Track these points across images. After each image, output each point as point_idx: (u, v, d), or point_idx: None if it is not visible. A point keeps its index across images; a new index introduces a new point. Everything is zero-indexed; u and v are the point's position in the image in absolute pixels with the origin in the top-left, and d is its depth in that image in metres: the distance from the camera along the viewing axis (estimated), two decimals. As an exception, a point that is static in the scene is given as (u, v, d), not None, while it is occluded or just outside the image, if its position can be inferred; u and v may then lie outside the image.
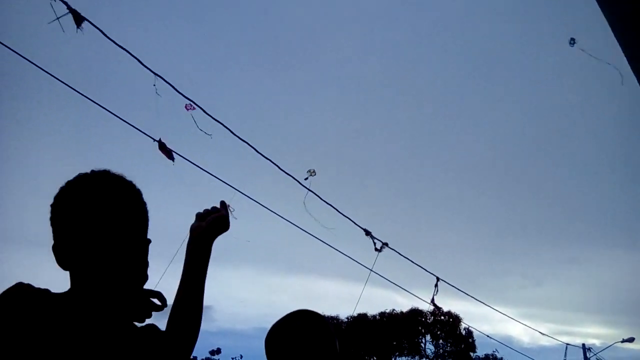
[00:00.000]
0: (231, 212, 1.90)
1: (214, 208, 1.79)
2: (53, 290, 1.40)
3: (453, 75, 46.57)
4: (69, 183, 1.43)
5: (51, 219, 1.42)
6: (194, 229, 1.71)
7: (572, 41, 8.07)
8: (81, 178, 1.43)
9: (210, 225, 1.72)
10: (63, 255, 1.40)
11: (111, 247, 1.36)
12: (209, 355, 36.55)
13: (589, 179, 48.57)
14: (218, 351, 37.02)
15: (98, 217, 1.36)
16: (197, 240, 1.68)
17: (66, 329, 1.32)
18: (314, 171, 8.06)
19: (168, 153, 6.80)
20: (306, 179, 8.02)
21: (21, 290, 1.35)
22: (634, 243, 52.05)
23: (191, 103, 6.58)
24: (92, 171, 1.44)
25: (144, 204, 1.48)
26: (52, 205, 1.42)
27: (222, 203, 1.82)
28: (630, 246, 51.61)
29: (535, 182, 48.97)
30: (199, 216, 1.77)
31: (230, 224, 1.76)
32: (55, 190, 1.43)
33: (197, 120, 6.75)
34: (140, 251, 1.45)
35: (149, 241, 1.50)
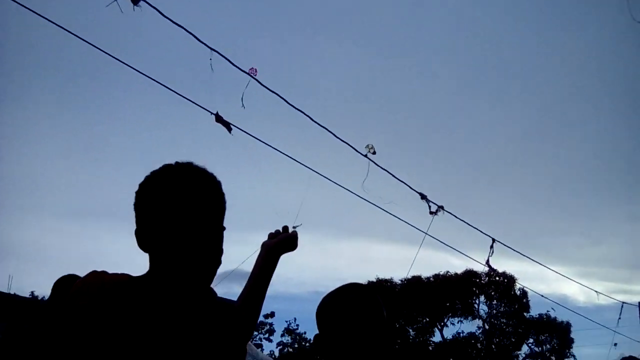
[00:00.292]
0: (298, 227, 2.18)
1: (285, 227, 2.14)
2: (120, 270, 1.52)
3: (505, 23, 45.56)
4: (153, 173, 1.53)
5: (135, 204, 1.54)
6: (265, 245, 2.08)
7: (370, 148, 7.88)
8: (165, 168, 1.52)
9: (279, 243, 2.09)
10: (144, 239, 1.51)
11: (189, 232, 1.46)
12: (262, 319, 37.07)
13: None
14: (272, 315, 37.58)
15: (178, 204, 1.46)
16: (266, 254, 2.05)
17: (145, 311, 1.43)
18: (372, 147, 8.10)
19: (226, 124, 6.94)
20: (365, 155, 8.08)
21: (96, 278, 1.47)
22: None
23: (254, 68, 6.70)
24: (176, 162, 1.53)
25: (223, 194, 1.57)
26: (136, 193, 1.54)
27: (285, 228, 2.16)
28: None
29: (593, 136, 47.72)
30: (270, 235, 2.13)
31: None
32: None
33: (252, 92, 6.85)
34: (215, 237, 1.53)
35: (224, 228, 1.58)
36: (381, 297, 1.92)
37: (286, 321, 37.64)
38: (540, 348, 34.06)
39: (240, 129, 7.02)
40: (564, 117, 46.65)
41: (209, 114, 6.97)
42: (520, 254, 13.59)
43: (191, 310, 1.51)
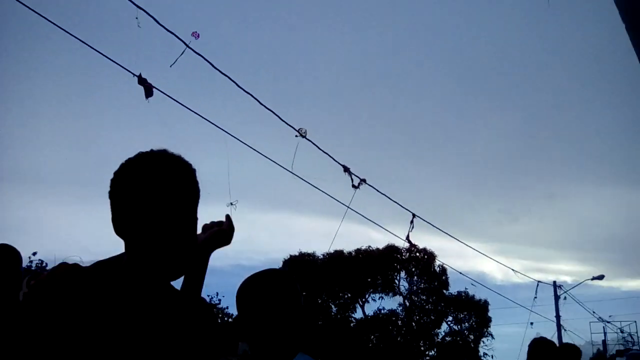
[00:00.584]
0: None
1: (220, 222, 1.94)
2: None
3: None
4: (128, 160, 1.54)
5: (110, 192, 1.54)
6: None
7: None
8: (140, 156, 1.54)
9: (210, 238, 1.89)
10: (120, 225, 1.54)
11: (163, 220, 1.48)
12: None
13: (568, 115, 48.89)
14: (194, 289, 37.27)
15: (153, 192, 1.48)
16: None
17: (119, 298, 1.45)
18: (305, 132, 8.16)
19: (147, 88, 6.80)
20: (296, 136, 8.13)
21: (67, 271, 1.49)
22: (609, 180, 53.02)
23: (197, 32, 6.60)
24: (151, 150, 1.55)
25: (197, 182, 1.59)
26: (112, 180, 1.54)
27: (227, 217, 1.96)
28: (606, 183, 52.56)
29: (513, 116, 49.17)
30: (204, 227, 1.94)
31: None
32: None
33: (178, 55, 6.75)
34: (189, 225, 1.57)
35: (197, 219, 1.61)
36: (299, 280, 2.00)
37: (208, 295, 37.32)
38: (459, 326, 34.99)
39: (162, 92, 6.92)
40: (486, 95, 47.87)
41: (132, 75, 6.84)
42: (440, 230, 14.02)
43: (164, 299, 1.55)
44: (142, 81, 6.81)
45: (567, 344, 5.35)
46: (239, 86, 7.22)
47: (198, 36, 6.79)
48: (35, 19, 6.04)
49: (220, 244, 1.93)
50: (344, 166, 9.47)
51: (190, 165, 1.58)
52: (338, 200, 10.17)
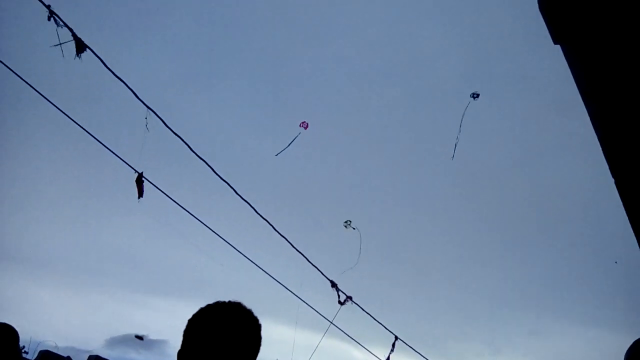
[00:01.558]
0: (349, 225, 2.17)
1: None
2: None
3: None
4: (206, 307, 1.78)
5: (185, 331, 1.78)
6: None
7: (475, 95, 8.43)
8: (216, 305, 1.78)
9: None
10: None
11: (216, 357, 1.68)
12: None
13: (553, 255, 49.02)
14: (169, 405, 35.94)
15: (219, 339, 1.71)
16: None
17: None
18: (350, 223, 8.28)
19: (141, 189, 6.84)
20: (346, 227, 8.24)
21: None
22: (593, 320, 52.33)
23: (306, 122, 6.82)
24: (229, 301, 1.80)
25: (260, 337, 1.83)
26: (189, 320, 1.78)
27: None
28: (590, 323, 51.85)
29: (500, 253, 49.30)
30: None
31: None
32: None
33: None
34: None
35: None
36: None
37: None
38: None
39: (159, 189, 7.01)
40: (474, 224, 48.14)
41: (134, 171, 6.96)
42: (421, 355, 13.73)
43: None
44: (138, 180, 6.88)
45: None
46: (237, 194, 7.34)
47: (307, 126, 7.03)
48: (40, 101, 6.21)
49: None
50: (331, 281, 9.44)
51: (257, 320, 1.84)
52: (322, 315, 10.08)
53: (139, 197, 6.85)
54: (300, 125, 7.06)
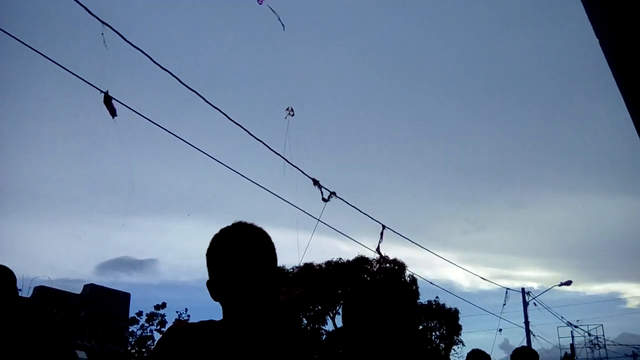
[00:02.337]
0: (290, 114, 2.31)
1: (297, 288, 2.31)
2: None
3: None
4: (219, 233, 1.89)
5: (207, 261, 1.87)
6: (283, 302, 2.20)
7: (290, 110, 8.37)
8: (227, 229, 1.90)
9: (296, 298, 2.27)
10: (215, 290, 1.85)
11: (250, 282, 1.79)
12: (154, 310, 36.27)
13: (534, 123, 49.70)
14: (163, 305, 36.64)
15: (240, 259, 1.81)
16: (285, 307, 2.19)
17: (227, 352, 1.75)
18: (292, 110, 8.20)
19: (111, 108, 6.69)
20: (285, 117, 8.17)
21: (181, 329, 1.81)
22: (574, 186, 54.02)
23: None
24: (234, 223, 1.91)
25: (274, 251, 1.91)
26: (207, 250, 1.88)
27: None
28: (570, 189, 53.51)
29: (479, 127, 49.86)
30: (284, 292, 2.27)
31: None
32: None
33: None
34: (272, 282, 1.86)
35: (277, 277, 1.91)
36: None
37: (177, 312, 36.99)
38: (430, 334, 35.21)
39: (127, 106, 6.84)
40: (453, 108, 48.47)
41: (99, 92, 6.77)
42: (409, 240, 14.10)
43: (261, 346, 1.82)
44: (107, 100, 6.71)
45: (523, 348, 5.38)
46: (207, 101, 7.19)
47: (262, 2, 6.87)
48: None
49: (304, 304, 2.14)
50: (313, 179, 9.47)
51: (268, 236, 1.92)
52: (308, 213, 10.17)
53: (112, 117, 6.69)
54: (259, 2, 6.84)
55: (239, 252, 1.82)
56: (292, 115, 8.56)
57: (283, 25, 7.34)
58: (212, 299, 1.88)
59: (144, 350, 35.06)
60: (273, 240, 1.93)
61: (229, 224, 1.91)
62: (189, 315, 36.68)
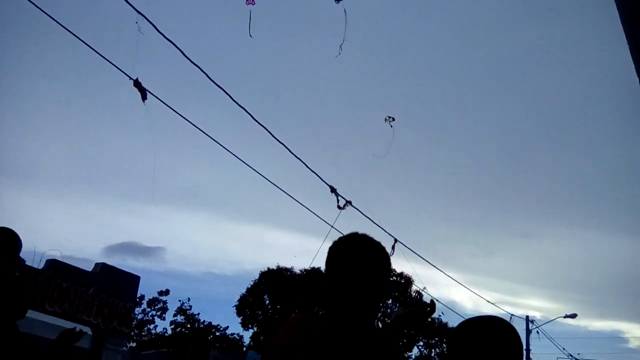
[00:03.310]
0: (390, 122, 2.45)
1: (430, 305, 2.35)
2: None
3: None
4: (340, 239, 2.07)
5: (326, 263, 2.06)
6: (395, 315, 2.30)
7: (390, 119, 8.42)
8: (347, 237, 2.07)
9: (407, 314, 2.29)
10: (331, 289, 2.00)
11: (362, 285, 1.96)
12: (157, 296, 36.43)
13: (546, 158, 49.52)
14: (166, 292, 36.84)
15: (357, 265, 1.98)
16: (393, 324, 2.27)
17: (340, 344, 1.87)
18: (393, 118, 8.29)
19: (142, 92, 6.81)
20: (387, 122, 8.26)
21: (304, 319, 1.94)
22: (583, 222, 53.60)
23: None
24: (356, 233, 2.07)
25: (389, 262, 2.08)
26: (328, 253, 2.06)
27: (432, 303, 2.35)
28: (580, 225, 53.15)
29: (497, 154, 49.72)
30: (404, 304, 2.42)
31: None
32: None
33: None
34: (381, 290, 2.03)
35: (388, 285, 2.09)
36: (275, 293, 2.17)
37: (179, 300, 37.14)
38: (429, 351, 35.06)
39: (156, 97, 6.91)
40: (468, 132, 48.38)
41: (128, 78, 6.84)
42: (420, 257, 14.03)
43: (365, 342, 1.95)
44: (137, 84, 6.81)
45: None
46: (233, 100, 7.24)
47: (253, 2, 6.95)
48: (36, 14, 6.02)
49: (414, 323, 2.29)
50: (331, 187, 9.48)
51: (383, 247, 2.08)
52: (323, 219, 10.18)
53: (143, 100, 6.77)
54: (247, 3, 6.91)
55: (357, 261, 1.99)
56: (393, 120, 8.73)
57: (250, 33, 7.32)
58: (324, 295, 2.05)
59: (143, 333, 35.26)
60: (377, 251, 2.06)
61: (347, 234, 2.10)
62: (190, 306, 36.88)
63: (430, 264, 15.11)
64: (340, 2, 7.09)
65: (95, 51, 6.47)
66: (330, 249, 2.05)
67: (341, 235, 2.15)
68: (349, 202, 9.74)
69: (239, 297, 32.96)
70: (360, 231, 2.07)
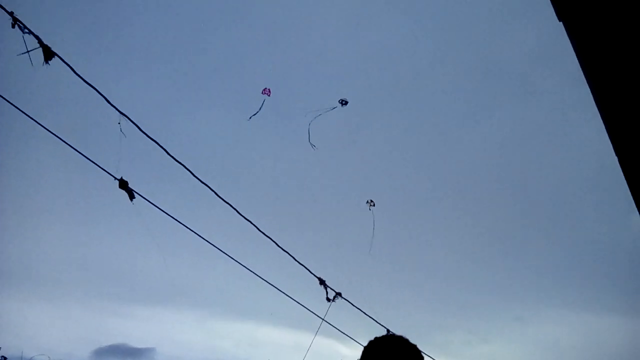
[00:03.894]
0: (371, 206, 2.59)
1: None
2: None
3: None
4: (376, 340, 2.15)
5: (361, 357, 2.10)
6: None
7: (343, 102, 8.65)
8: (384, 338, 2.15)
9: None
10: None
11: None
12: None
13: (537, 241, 49.67)
14: (157, 395, 35.69)
15: None
16: None
17: None
18: (373, 202, 8.36)
19: (128, 191, 6.80)
20: (369, 205, 8.32)
21: None
22: (578, 304, 53.19)
23: (268, 89, 6.95)
24: (392, 334, 2.19)
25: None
26: (363, 352, 2.12)
27: None
28: (575, 308, 52.72)
29: (486, 239, 49.80)
30: None
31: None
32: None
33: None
34: None
35: None
36: None
37: (170, 403, 35.82)
38: None
39: (142, 196, 6.90)
40: (456, 217, 48.61)
41: (113, 179, 6.84)
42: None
43: None
44: (123, 184, 6.81)
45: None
46: (218, 195, 7.23)
47: (269, 93, 7.15)
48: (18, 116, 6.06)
49: None
50: (319, 278, 9.36)
51: (418, 349, 2.19)
52: (313, 312, 9.98)
53: (131, 199, 6.76)
54: (262, 92, 7.19)
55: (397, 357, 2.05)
56: (373, 206, 8.86)
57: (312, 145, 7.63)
58: None
59: None
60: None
61: (383, 335, 2.22)
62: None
63: (426, 354, 14.78)
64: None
65: (78, 152, 6.49)
66: (366, 348, 2.11)
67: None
68: (338, 294, 9.60)
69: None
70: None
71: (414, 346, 2.13)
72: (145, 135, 6.60)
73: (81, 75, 5.83)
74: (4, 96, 5.74)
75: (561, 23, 2.17)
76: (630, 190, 3.38)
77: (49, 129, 6.22)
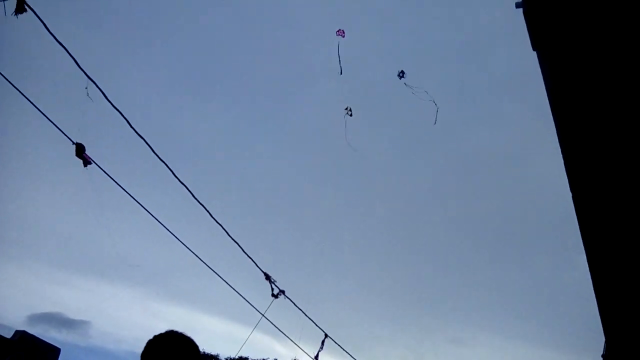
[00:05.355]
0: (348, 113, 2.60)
1: None
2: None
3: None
4: (153, 340, 2.25)
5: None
6: None
7: (402, 74, 8.80)
8: (160, 337, 2.26)
9: None
10: None
11: None
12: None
13: (483, 265, 50.48)
14: (89, 373, 35.21)
15: None
16: None
17: None
18: (350, 110, 8.38)
19: (84, 159, 6.66)
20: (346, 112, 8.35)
21: None
22: (512, 334, 54.18)
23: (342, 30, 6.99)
24: (173, 331, 2.28)
25: (199, 353, 2.25)
26: (142, 353, 2.23)
27: None
28: (509, 336, 53.65)
29: (429, 265, 50.49)
30: None
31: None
32: None
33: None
34: None
35: None
36: None
37: (98, 378, 35.37)
38: None
39: (97, 164, 6.77)
40: (403, 239, 49.15)
41: (71, 142, 6.70)
42: (350, 355, 13.76)
43: None
44: (79, 150, 6.66)
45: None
46: (175, 175, 7.15)
47: (344, 33, 7.22)
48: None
49: None
50: (265, 274, 9.32)
51: (193, 341, 2.27)
52: (254, 307, 9.92)
53: (85, 165, 6.62)
54: (337, 34, 7.37)
55: (172, 353, 2.16)
56: (351, 115, 8.92)
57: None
58: None
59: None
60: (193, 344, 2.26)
61: (162, 331, 2.24)
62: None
63: (359, 362, 14.82)
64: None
65: (36, 107, 6.33)
66: (148, 343, 2.23)
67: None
68: (282, 292, 9.56)
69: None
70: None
71: (192, 341, 2.24)
72: (110, 105, 6.50)
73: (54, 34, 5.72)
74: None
75: (535, 52, 2.20)
76: (580, 230, 3.44)
77: (9, 79, 6.06)
